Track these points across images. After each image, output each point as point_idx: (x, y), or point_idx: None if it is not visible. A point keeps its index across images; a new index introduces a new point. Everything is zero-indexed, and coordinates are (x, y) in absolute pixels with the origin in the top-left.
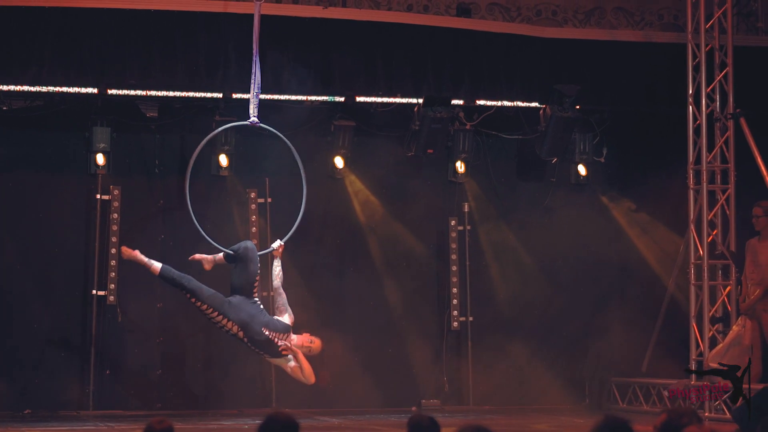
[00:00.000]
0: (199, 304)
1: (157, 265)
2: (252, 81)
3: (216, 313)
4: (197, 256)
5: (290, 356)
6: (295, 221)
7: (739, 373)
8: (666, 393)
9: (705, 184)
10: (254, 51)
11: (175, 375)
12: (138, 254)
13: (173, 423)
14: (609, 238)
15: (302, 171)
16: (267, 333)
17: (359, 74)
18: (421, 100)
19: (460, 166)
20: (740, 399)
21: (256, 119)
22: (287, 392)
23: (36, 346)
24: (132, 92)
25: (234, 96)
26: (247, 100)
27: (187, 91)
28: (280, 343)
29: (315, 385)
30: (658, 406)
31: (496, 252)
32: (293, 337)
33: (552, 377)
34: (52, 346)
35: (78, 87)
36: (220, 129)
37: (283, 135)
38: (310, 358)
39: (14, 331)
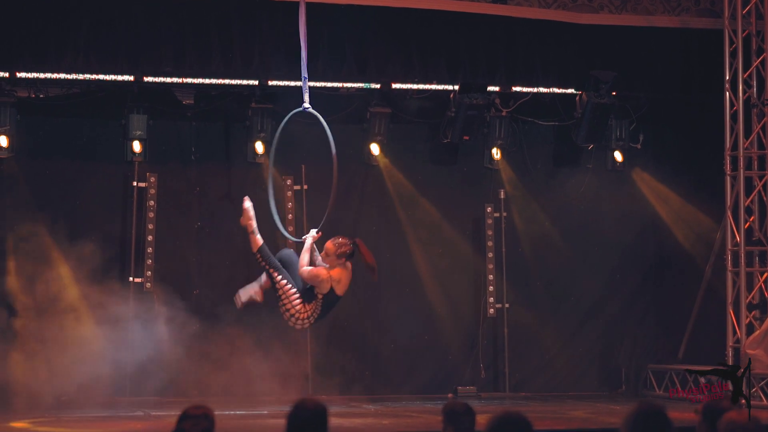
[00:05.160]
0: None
1: (259, 240)
2: (302, 66)
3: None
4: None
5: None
6: (328, 209)
7: (739, 373)
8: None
9: (742, 170)
10: (302, 36)
11: (212, 362)
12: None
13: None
14: (645, 225)
15: (335, 160)
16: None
17: (395, 61)
18: (456, 87)
19: (496, 153)
20: (740, 398)
21: (308, 105)
22: (324, 380)
23: (74, 333)
24: (168, 80)
25: (270, 83)
26: (284, 87)
27: (223, 78)
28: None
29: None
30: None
31: (532, 238)
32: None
33: (588, 364)
34: (88, 332)
35: (114, 74)
36: (285, 120)
37: (319, 122)
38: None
39: (52, 317)
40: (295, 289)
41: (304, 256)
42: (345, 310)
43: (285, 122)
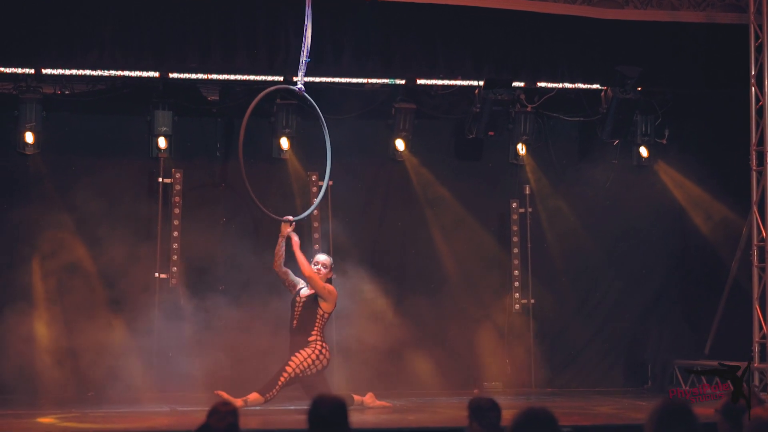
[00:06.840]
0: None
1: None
2: (303, 47)
3: None
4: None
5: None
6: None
7: (739, 373)
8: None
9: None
10: (306, 14)
11: (238, 357)
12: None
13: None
14: (671, 220)
15: (328, 145)
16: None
17: (419, 57)
18: (481, 83)
19: (521, 149)
20: (740, 399)
21: (302, 86)
22: (346, 377)
23: (99, 329)
24: (193, 76)
25: (294, 79)
26: (308, 83)
27: (248, 74)
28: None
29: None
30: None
31: (558, 234)
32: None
33: (614, 360)
34: (114, 328)
35: (139, 71)
36: (266, 91)
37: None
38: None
39: (78, 313)
40: (325, 346)
41: (304, 258)
42: (369, 305)
43: (266, 92)
